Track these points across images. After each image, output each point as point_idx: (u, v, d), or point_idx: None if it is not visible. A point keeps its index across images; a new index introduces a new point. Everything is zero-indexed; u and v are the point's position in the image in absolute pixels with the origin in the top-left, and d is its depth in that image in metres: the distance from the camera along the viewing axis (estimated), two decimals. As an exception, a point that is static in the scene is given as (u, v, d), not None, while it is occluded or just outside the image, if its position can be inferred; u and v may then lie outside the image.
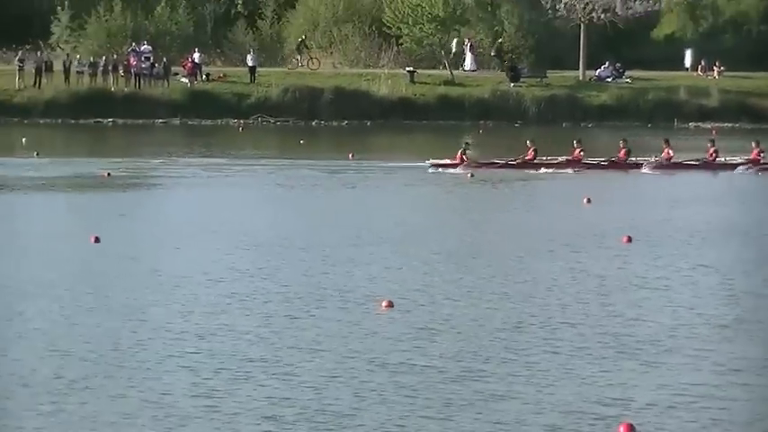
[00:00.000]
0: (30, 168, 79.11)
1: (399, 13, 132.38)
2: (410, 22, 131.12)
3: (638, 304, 40.82)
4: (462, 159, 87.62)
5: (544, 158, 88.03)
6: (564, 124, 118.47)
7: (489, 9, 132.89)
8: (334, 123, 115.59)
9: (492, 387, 30.73)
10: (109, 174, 76.26)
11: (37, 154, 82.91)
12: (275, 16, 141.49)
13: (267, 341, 32.90)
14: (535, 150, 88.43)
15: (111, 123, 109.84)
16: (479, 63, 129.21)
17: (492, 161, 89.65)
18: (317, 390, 26.94)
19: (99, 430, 22.82)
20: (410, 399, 29.53)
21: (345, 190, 78.29)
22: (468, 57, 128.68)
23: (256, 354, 31.53)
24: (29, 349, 30.66)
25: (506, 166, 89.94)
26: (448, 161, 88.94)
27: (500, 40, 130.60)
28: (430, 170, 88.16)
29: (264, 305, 37.82)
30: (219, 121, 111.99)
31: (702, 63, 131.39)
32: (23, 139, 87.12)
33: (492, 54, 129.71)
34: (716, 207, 69.33)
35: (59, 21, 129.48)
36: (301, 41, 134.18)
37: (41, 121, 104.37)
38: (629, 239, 51.93)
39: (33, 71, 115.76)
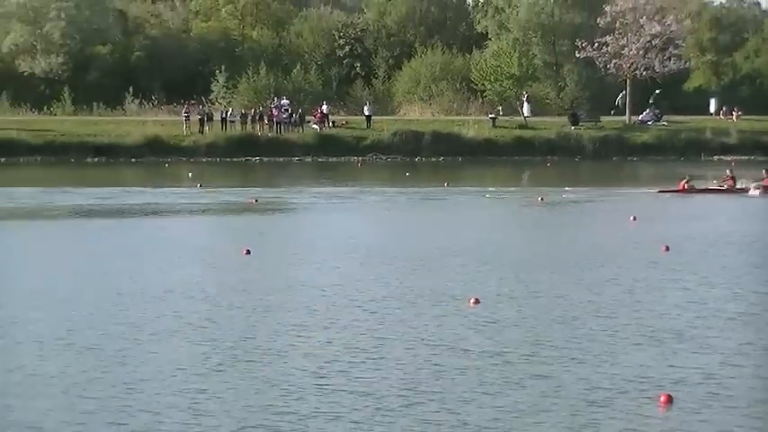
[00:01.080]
0: (194, 196, 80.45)
1: (483, 72, 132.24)
2: (492, 79, 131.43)
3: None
4: (684, 188, 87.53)
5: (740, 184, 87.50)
6: (614, 158, 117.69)
7: (554, 68, 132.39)
8: (433, 159, 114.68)
9: (556, 367, 31.27)
10: (256, 200, 77.07)
11: (200, 185, 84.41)
12: (386, 76, 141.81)
13: (378, 332, 33.39)
14: (733, 178, 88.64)
15: (257, 161, 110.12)
16: (535, 111, 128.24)
17: (708, 188, 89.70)
18: (419, 370, 28.10)
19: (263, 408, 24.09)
20: (490, 373, 30.35)
21: (440, 211, 78.49)
22: (526, 106, 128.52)
23: (369, 343, 32.35)
24: (190, 339, 32.37)
25: (718, 191, 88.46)
26: (673, 189, 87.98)
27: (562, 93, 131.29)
28: (658, 195, 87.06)
29: (378, 303, 38.33)
30: (342, 158, 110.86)
31: (724, 109, 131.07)
32: (189, 174, 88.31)
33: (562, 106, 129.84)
34: None
35: (218, 81, 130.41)
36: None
37: (203, 160, 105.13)
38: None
39: (197, 121, 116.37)
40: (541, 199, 78.24)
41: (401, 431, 25.20)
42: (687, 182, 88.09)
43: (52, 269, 52.51)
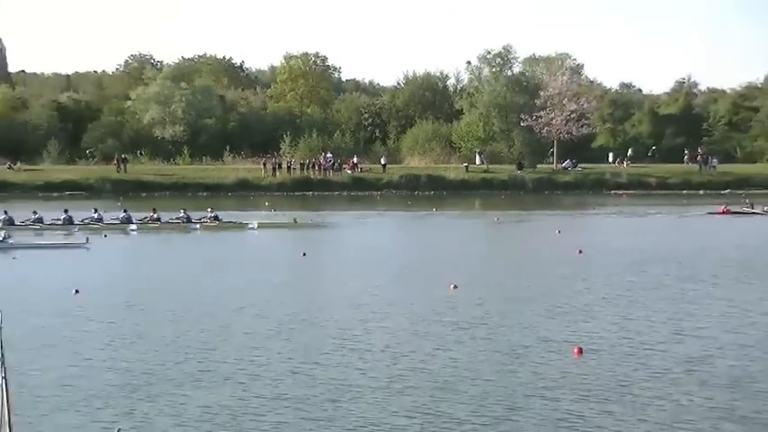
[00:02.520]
0: (270, 217, 79.66)
1: (459, 135, 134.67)
2: (465, 140, 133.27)
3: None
4: (724, 211, 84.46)
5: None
6: (546, 192, 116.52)
7: (507, 133, 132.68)
8: (426, 193, 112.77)
9: (510, 329, 33.87)
10: (295, 220, 75.64)
11: (273, 210, 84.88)
12: (396, 138, 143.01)
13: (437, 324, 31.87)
14: (752, 204, 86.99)
15: (311, 194, 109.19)
16: (491, 161, 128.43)
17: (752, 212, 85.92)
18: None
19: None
20: (451, 335, 32.71)
21: (430, 226, 79.36)
22: (478, 158, 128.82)
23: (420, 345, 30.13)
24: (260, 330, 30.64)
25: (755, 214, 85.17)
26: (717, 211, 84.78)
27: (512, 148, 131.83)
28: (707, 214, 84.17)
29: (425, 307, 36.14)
30: (367, 192, 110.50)
31: (618, 160, 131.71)
32: (267, 203, 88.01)
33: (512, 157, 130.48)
34: None
35: (285, 141, 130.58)
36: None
37: (275, 194, 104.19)
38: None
39: (271, 168, 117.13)
40: (497, 219, 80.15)
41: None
42: (726, 207, 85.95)
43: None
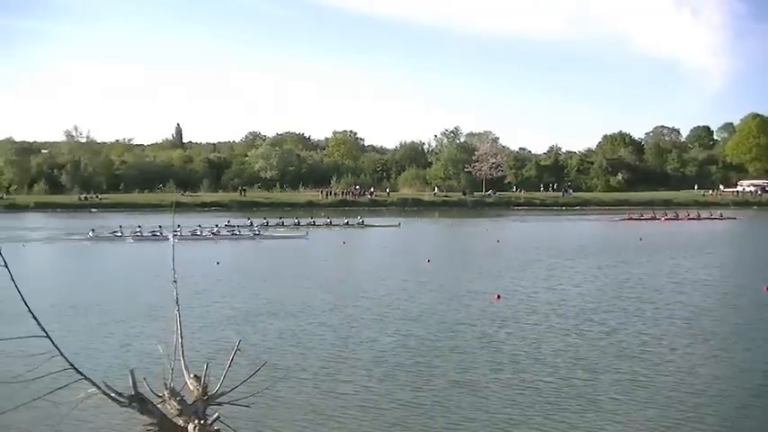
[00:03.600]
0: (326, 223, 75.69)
1: (430, 176, 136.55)
2: (433, 178, 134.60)
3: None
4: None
5: None
6: (479, 208, 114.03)
7: (458, 174, 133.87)
8: (412, 208, 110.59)
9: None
10: (347, 221, 74.18)
11: (326, 217, 78.48)
12: (395, 177, 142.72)
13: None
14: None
15: (347, 209, 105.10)
16: (446, 190, 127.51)
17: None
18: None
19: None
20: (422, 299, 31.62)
21: (420, 228, 76.22)
22: (437, 188, 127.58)
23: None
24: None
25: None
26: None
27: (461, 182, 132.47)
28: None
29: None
30: (378, 208, 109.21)
31: (521, 190, 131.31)
32: (323, 213, 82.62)
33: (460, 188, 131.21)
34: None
35: (333, 180, 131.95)
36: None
37: (327, 209, 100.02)
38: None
39: (325, 194, 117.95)
40: (451, 223, 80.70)
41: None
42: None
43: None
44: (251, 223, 69.73)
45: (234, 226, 67.13)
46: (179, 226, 61.91)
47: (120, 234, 60.53)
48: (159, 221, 66.57)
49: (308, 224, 73.66)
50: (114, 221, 75.37)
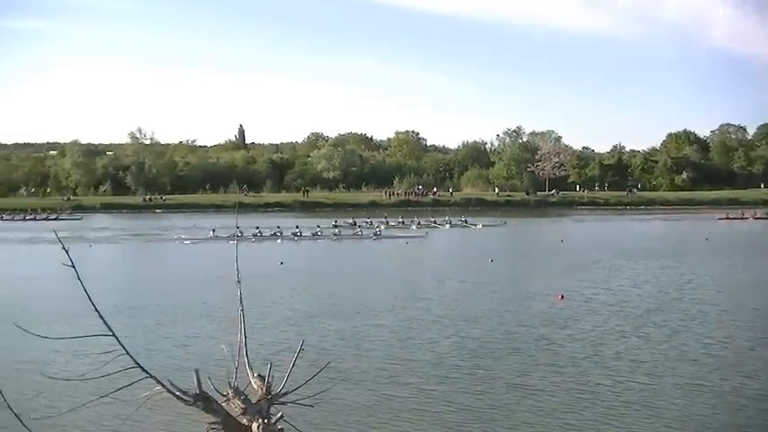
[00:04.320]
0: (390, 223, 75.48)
1: (493, 175, 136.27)
2: (495, 178, 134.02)
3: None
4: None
5: None
6: (541, 207, 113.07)
7: (520, 174, 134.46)
8: (476, 208, 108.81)
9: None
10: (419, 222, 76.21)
11: (386, 216, 78.99)
12: (457, 176, 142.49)
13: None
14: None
15: (410, 209, 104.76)
16: (506, 190, 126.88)
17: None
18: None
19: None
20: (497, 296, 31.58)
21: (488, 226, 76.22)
22: (497, 189, 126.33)
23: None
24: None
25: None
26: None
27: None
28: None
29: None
30: (442, 207, 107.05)
31: (584, 190, 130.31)
32: (385, 214, 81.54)
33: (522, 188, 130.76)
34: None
35: (396, 180, 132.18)
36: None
37: (390, 209, 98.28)
38: None
39: (388, 194, 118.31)
40: (515, 224, 78.23)
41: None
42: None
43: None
44: (371, 223, 73.61)
45: (357, 225, 70.44)
46: (297, 226, 64.02)
47: (240, 235, 61.15)
48: (223, 222, 67.32)
49: (428, 224, 75.40)
50: (178, 222, 76.65)
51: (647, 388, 17.44)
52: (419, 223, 75.90)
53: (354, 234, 64.38)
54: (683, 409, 15.88)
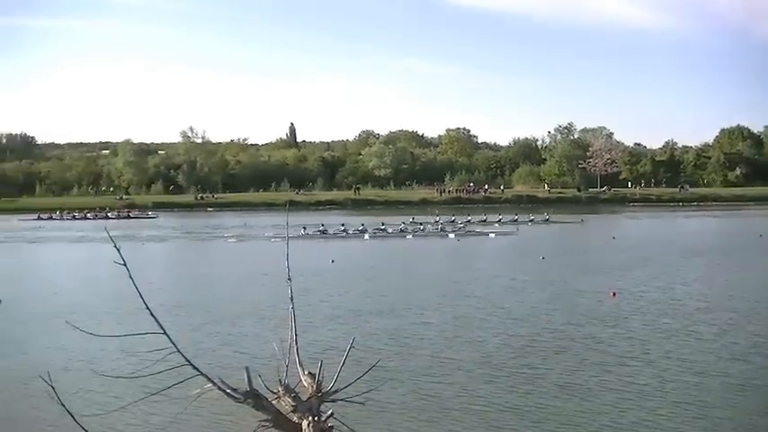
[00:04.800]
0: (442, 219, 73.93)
1: (544, 173, 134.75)
2: (546, 175, 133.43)
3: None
4: None
5: None
6: (593, 204, 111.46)
7: (572, 171, 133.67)
8: (527, 205, 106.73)
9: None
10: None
11: (437, 213, 77.18)
12: (509, 174, 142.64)
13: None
14: None
15: (461, 206, 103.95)
16: (556, 186, 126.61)
17: None
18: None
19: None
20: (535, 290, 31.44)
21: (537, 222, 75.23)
22: (546, 186, 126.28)
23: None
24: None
25: None
26: None
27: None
28: None
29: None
30: (494, 205, 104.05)
31: (636, 186, 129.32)
32: (436, 211, 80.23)
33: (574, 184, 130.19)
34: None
35: (446, 177, 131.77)
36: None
37: (441, 206, 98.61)
38: None
39: (439, 191, 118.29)
40: (582, 220, 76.99)
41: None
42: None
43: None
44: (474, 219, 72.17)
45: (455, 221, 69.93)
46: (383, 223, 64.67)
47: (348, 231, 62.57)
48: (274, 221, 67.67)
49: (515, 221, 74.71)
50: (230, 221, 77.16)
51: (696, 387, 17.24)
52: (499, 220, 74.72)
53: (435, 231, 64.87)
54: (732, 410, 15.61)
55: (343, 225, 63.41)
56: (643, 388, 17.26)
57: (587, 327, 24.09)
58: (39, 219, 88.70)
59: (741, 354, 20.29)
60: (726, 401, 16.21)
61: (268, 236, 59.30)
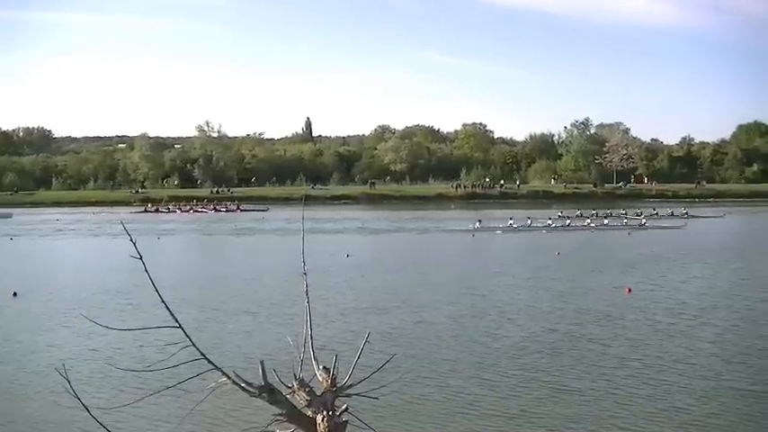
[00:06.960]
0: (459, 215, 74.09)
1: (560, 168, 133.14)
2: (562, 170, 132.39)
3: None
4: None
5: None
6: (609, 200, 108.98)
7: (588, 166, 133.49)
8: (543, 200, 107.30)
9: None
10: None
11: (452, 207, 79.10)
12: (525, 169, 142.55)
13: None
14: None
15: (476, 202, 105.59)
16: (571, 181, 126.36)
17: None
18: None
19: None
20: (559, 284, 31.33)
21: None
22: (553, 182, 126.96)
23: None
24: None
25: None
26: None
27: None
28: None
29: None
30: (508, 200, 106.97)
31: (653, 182, 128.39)
32: (452, 206, 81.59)
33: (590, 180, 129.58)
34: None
35: (463, 172, 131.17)
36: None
37: (458, 201, 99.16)
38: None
39: (455, 187, 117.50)
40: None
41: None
42: None
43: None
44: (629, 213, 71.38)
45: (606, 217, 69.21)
46: (528, 218, 63.83)
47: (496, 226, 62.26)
48: (290, 215, 67.73)
49: (684, 215, 73.85)
50: (244, 215, 77.16)
51: (713, 387, 16.81)
52: (639, 214, 72.45)
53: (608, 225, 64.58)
54: (748, 409, 15.26)
55: (529, 218, 63.63)
56: (651, 390, 16.76)
57: (598, 326, 23.66)
58: (145, 212, 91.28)
59: (758, 353, 19.86)
60: (742, 401, 15.78)
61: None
